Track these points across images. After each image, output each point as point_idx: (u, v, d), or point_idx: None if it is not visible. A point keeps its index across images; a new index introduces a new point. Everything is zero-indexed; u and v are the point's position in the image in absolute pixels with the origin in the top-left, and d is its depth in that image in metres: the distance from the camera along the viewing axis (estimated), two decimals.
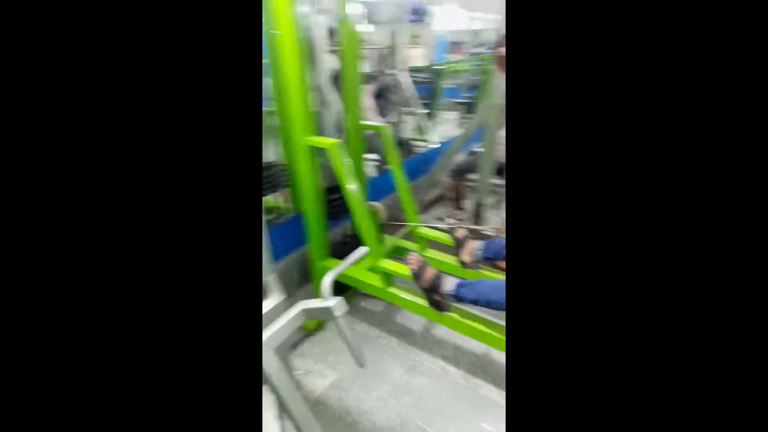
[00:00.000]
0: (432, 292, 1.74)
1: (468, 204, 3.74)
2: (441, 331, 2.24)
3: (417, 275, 1.74)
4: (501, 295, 1.55)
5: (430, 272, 1.73)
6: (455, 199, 3.64)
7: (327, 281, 1.24)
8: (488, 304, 1.59)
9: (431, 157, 3.63)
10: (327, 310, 1.16)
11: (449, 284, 1.70)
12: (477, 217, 2.90)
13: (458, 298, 1.67)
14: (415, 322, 2.33)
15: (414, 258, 1.77)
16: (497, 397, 1.83)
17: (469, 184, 3.86)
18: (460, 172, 3.37)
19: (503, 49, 1.94)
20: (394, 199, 2.88)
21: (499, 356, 2.04)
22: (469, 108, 5.41)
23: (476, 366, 2.01)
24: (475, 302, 1.62)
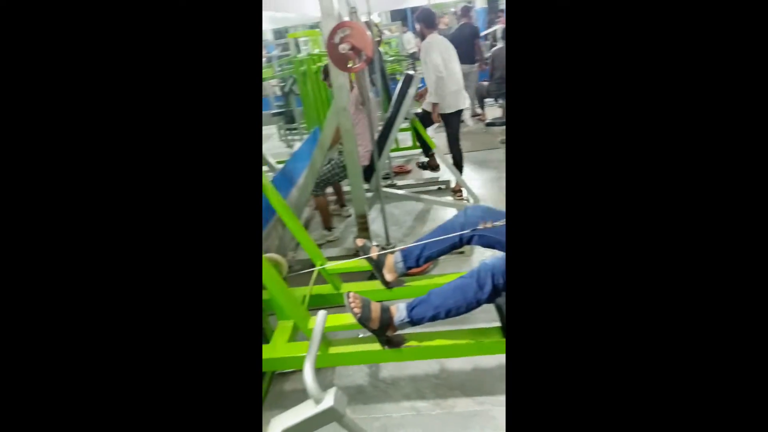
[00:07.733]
0: (384, 330, 1.50)
1: (339, 220, 3.44)
2: (388, 370, 1.97)
3: (365, 318, 1.47)
4: (457, 298, 1.44)
5: (375, 308, 1.49)
6: (324, 219, 3.28)
7: (308, 372, 0.87)
8: (448, 314, 1.46)
9: (281, 180, 3.20)
10: (330, 412, 0.84)
11: (399, 312, 1.51)
12: (364, 230, 2.48)
13: (414, 321, 1.51)
14: (357, 376, 1.98)
15: (353, 299, 1.49)
16: (473, 405, 1.75)
17: (334, 197, 3.54)
18: (320, 186, 3.08)
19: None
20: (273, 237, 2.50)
21: (455, 364, 1.92)
22: (289, 118, 4.87)
23: (440, 387, 1.87)
24: (434, 318, 1.48)
